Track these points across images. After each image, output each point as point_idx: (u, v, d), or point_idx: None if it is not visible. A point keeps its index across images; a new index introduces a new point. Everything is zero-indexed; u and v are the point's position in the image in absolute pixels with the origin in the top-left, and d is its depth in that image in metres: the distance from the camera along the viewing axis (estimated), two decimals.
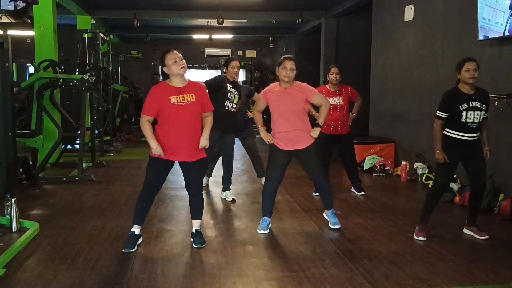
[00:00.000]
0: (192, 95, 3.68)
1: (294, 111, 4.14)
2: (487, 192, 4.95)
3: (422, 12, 6.75)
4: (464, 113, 3.91)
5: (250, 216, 4.83)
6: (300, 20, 10.61)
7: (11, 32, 10.93)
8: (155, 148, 3.63)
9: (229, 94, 5.05)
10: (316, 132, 4.23)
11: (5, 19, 8.69)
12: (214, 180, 6.32)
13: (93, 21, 10.77)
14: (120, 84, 12.89)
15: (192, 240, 3.94)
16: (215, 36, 15.01)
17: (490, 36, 5.10)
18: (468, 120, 3.92)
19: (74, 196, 5.63)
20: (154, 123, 3.76)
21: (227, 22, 11.55)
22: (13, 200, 4.22)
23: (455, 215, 4.93)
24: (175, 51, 3.68)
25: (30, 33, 9.96)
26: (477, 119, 3.93)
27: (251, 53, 17.98)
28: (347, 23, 11.05)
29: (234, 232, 4.33)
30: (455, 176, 5.56)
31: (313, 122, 4.33)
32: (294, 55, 14.34)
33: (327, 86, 5.51)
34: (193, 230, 3.98)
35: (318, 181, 4.44)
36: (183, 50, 3.83)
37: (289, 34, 14.73)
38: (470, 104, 3.91)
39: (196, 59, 16.90)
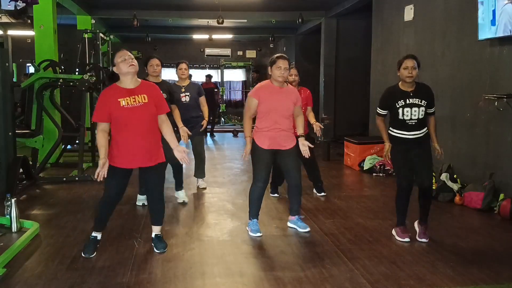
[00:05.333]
0: (144, 96, 3.50)
1: (288, 109, 4.08)
2: (487, 192, 4.97)
3: (422, 12, 6.75)
4: (400, 110, 3.90)
5: None
6: (300, 20, 10.61)
7: (11, 32, 10.92)
8: (102, 159, 3.36)
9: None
10: (306, 142, 4.17)
11: (5, 19, 8.67)
12: (214, 181, 6.31)
13: (93, 21, 10.80)
14: None
15: (153, 245, 3.81)
16: (215, 36, 15.01)
17: None
18: (405, 118, 3.90)
19: (74, 196, 5.64)
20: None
21: (227, 22, 11.55)
22: (13, 200, 4.22)
23: (455, 215, 4.94)
24: (124, 50, 3.54)
25: (30, 33, 9.94)
26: (415, 116, 3.90)
27: (251, 53, 17.98)
28: (347, 23, 11.06)
29: (234, 232, 4.32)
30: (455, 176, 5.57)
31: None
32: (294, 55, 14.47)
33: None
34: (153, 236, 3.84)
35: (295, 182, 4.22)
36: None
37: (289, 34, 14.73)
38: (407, 101, 3.89)
39: (196, 59, 16.89)
